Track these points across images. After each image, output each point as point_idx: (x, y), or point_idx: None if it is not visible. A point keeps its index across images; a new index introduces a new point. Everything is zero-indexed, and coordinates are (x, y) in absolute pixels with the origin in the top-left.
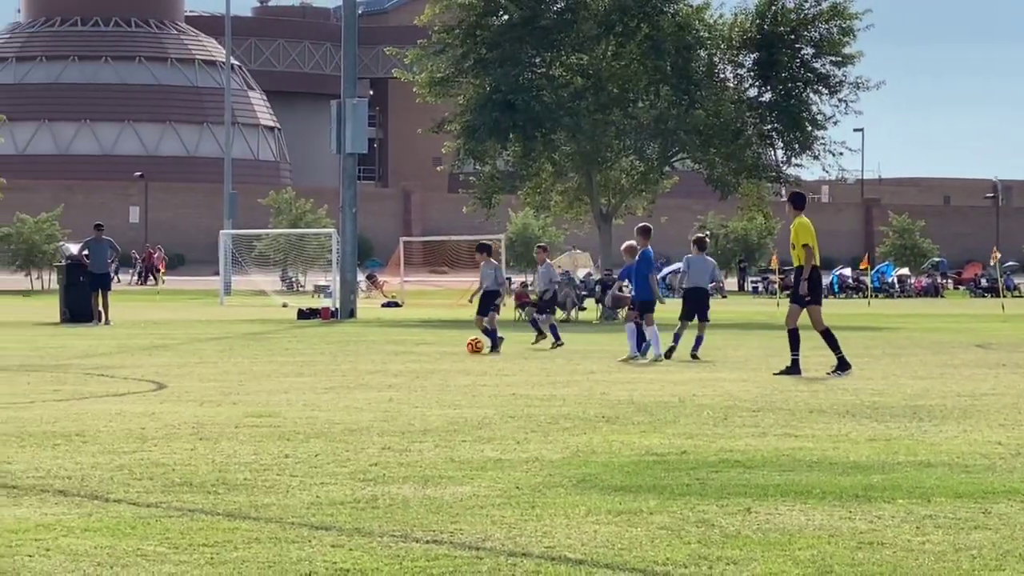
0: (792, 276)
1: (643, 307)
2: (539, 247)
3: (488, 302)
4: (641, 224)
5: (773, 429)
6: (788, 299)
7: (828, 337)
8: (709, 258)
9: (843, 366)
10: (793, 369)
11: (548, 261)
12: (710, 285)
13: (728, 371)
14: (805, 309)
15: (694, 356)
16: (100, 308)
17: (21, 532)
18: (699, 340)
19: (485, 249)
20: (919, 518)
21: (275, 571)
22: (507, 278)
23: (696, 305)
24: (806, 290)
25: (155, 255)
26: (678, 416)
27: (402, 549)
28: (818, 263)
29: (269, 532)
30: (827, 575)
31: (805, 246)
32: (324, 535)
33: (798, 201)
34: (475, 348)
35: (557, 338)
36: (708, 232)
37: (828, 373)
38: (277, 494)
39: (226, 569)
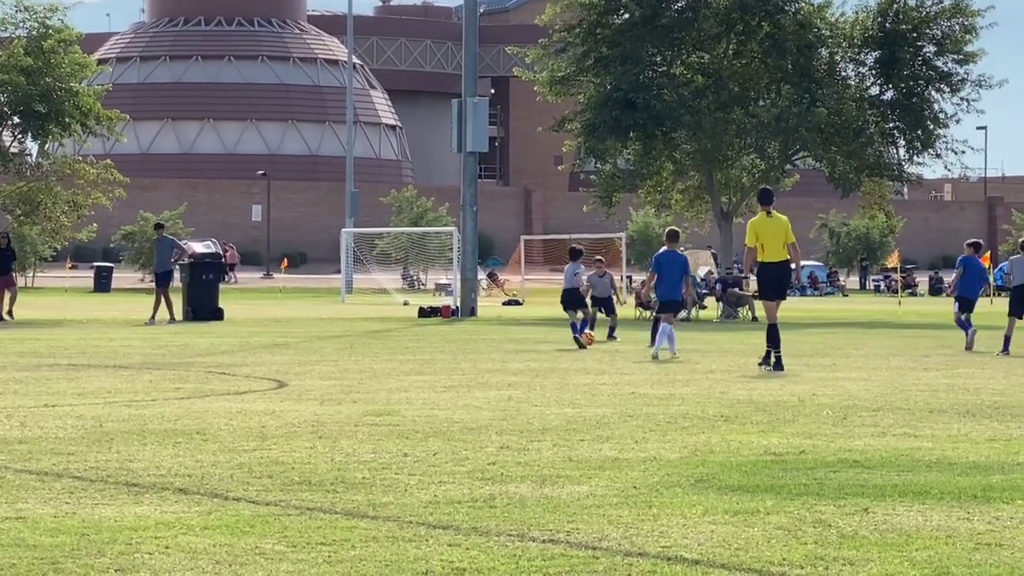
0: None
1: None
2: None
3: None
4: (669, 228)
5: (892, 429)
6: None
7: (773, 331)
8: None
9: (774, 365)
10: (776, 365)
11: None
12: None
13: (848, 370)
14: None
15: (1006, 352)
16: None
17: (141, 530)
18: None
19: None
20: None
21: (392, 570)
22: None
23: (1019, 302)
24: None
25: (227, 252)
26: (797, 416)
27: (518, 548)
28: (767, 259)
29: (386, 531)
30: None
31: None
32: (441, 534)
33: (761, 197)
34: (589, 341)
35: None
36: None
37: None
38: (395, 493)
39: (343, 568)
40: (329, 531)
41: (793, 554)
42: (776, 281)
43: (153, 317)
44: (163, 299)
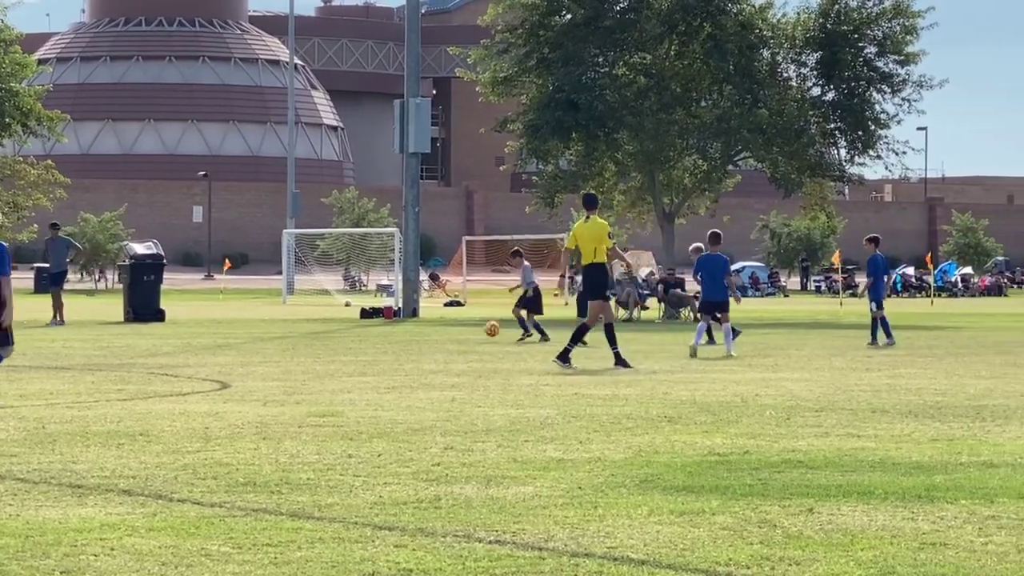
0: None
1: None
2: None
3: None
4: (712, 231)
5: (835, 429)
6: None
7: (581, 330)
8: None
9: (563, 357)
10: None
11: (526, 263)
12: None
13: (790, 371)
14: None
15: None
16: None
17: (86, 532)
18: None
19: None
20: (982, 519)
21: (338, 571)
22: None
23: None
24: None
25: None
26: (740, 416)
27: (465, 549)
28: (584, 261)
29: (332, 532)
30: None
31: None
32: (387, 535)
33: (584, 201)
34: (494, 332)
35: (543, 334)
36: None
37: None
38: (340, 494)
39: (289, 569)
40: (275, 532)
41: (739, 554)
42: (590, 283)
43: (57, 317)
44: (57, 299)
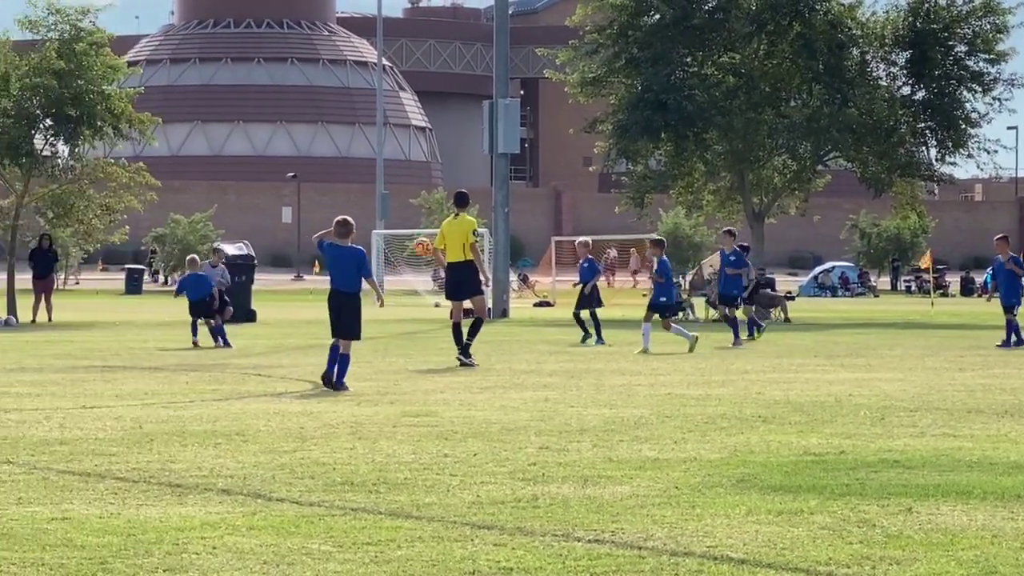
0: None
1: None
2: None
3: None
4: (657, 237)
5: (931, 429)
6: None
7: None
8: None
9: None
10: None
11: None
12: None
13: (884, 371)
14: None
15: None
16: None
17: (187, 530)
18: None
19: None
20: None
21: (439, 569)
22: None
23: None
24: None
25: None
26: (835, 416)
27: (564, 548)
28: (449, 259)
29: (432, 531)
30: None
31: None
32: (486, 534)
33: (455, 199)
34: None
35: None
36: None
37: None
38: (438, 493)
39: (390, 567)
40: (374, 531)
41: (839, 554)
42: (454, 281)
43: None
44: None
